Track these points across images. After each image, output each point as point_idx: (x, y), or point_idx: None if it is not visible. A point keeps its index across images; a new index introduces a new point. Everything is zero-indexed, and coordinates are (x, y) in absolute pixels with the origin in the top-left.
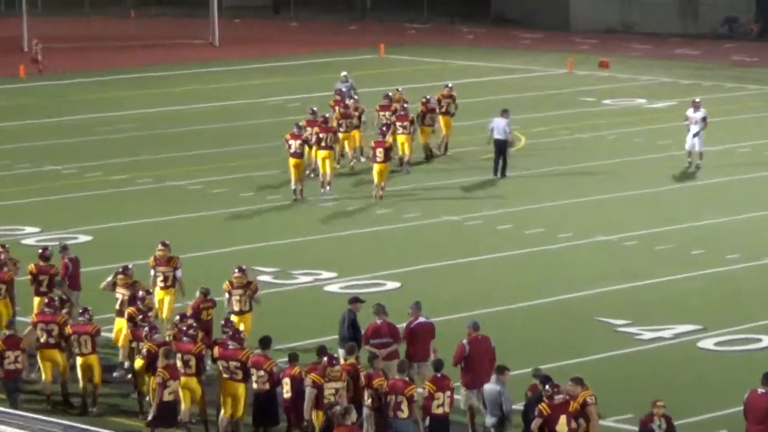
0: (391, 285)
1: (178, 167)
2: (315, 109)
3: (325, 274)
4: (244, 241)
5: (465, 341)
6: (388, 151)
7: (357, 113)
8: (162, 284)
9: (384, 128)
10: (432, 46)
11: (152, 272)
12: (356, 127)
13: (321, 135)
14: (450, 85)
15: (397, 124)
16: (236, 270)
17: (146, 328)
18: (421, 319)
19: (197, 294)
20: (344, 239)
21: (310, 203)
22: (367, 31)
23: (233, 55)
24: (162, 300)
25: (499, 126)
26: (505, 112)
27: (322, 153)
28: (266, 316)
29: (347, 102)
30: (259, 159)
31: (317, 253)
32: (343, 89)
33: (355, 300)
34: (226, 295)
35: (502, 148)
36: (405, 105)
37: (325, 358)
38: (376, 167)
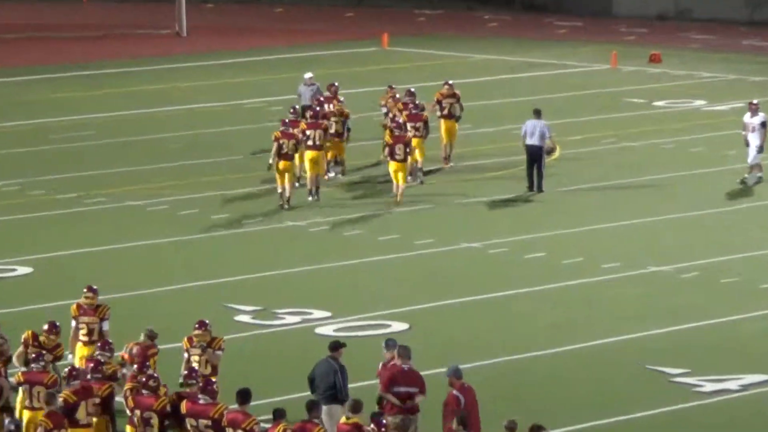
0: (398, 327)
1: (138, 183)
2: (297, 107)
3: (317, 314)
4: (217, 273)
5: (455, 392)
6: (409, 146)
7: (335, 118)
8: (85, 338)
9: (399, 122)
10: (446, 36)
11: (73, 323)
12: (337, 135)
13: (308, 132)
14: (450, 82)
15: (408, 125)
16: (196, 325)
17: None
18: (397, 360)
19: (141, 337)
20: (340, 271)
21: (299, 228)
22: (366, 18)
23: (204, 48)
24: (83, 358)
25: (532, 129)
26: (539, 114)
27: (309, 154)
28: (245, 364)
29: (322, 106)
30: (235, 173)
31: (307, 288)
32: (307, 94)
33: (338, 346)
34: (185, 354)
35: (536, 156)
36: (417, 103)
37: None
38: (392, 166)
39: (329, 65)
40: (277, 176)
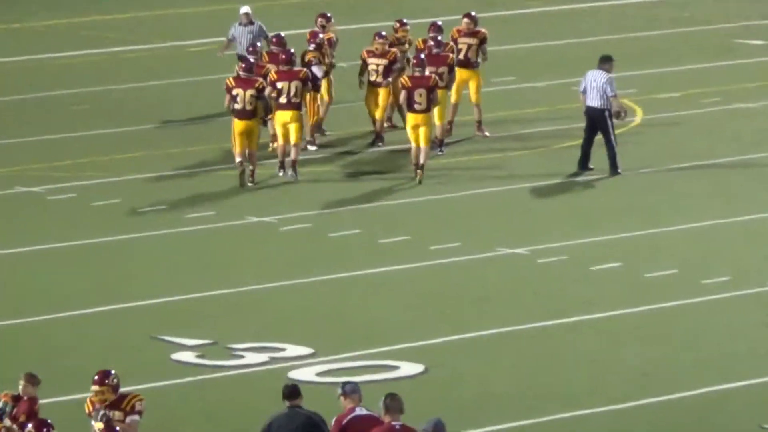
0: (409, 369)
1: (32, 162)
2: (259, 44)
3: (292, 350)
4: (145, 291)
5: None
6: (433, 92)
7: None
8: None
9: (421, 57)
10: None
11: None
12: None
13: (280, 84)
14: (473, 13)
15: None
16: (95, 378)
17: None
18: (361, 412)
19: (20, 384)
20: (325, 287)
21: (266, 226)
22: None
23: None
24: None
25: (592, 84)
26: (605, 62)
27: (282, 115)
28: (186, 427)
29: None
30: (169, 146)
31: (277, 313)
32: (244, 38)
33: (295, 393)
34: (92, 423)
35: (598, 120)
36: (439, 38)
37: None
38: (411, 120)
39: None
40: (234, 141)
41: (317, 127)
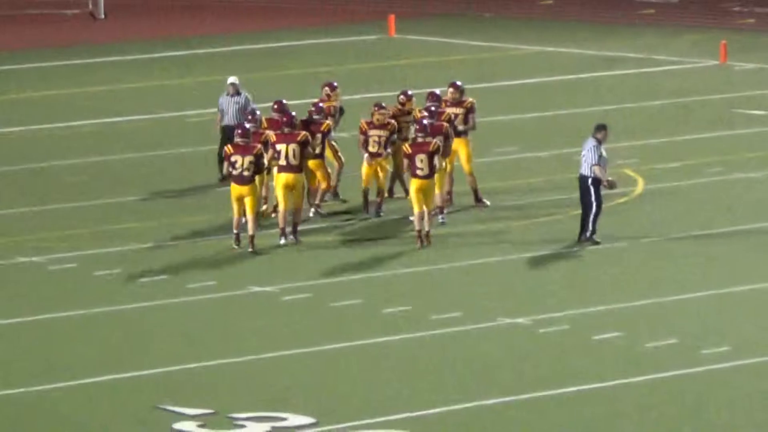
0: None
1: (33, 233)
2: (258, 112)
3: (294, 420)
4: (147, 360)
5: None
6: (434, 157)
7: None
8: None
9: (424, 123)
10: (479, 19)
11: None
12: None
13: (279, 146)
14: (459, 83)
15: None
16: None
17: None
18: None
19: None
20: (327, 357)
21: (267, 295)
22: None
23: (128, 35)
24: None
25: (583, 152)
26: (598, 130)
27: (282, 177)
28: None
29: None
30: (170, 215)
31: (279, 382)
32: (231, 108)
33: None
34: None
35: (585, 188)
36: (433, 108)
37: None
38: (415, 185)
39: (311, 60)
40: (233, 207)
41: (334, 194)
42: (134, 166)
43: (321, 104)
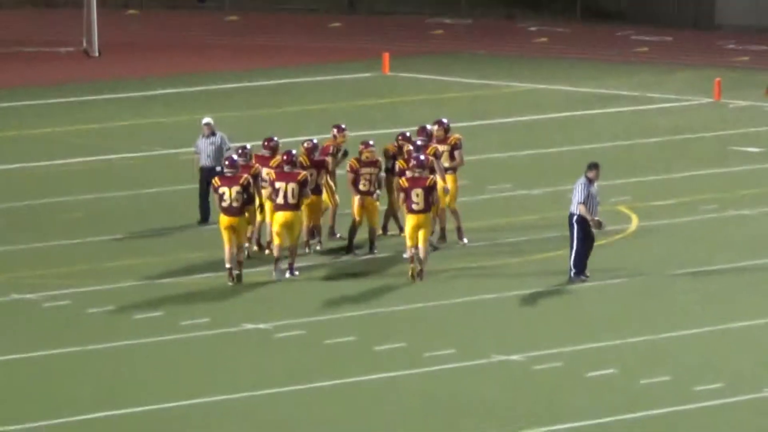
0: None
1: (27, 270)
2: (276, 139)
3: None
4: (139, 398)
5: None
6: (431, 193)
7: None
8: None
9: (421, 159)
10: (473, 56)
11: None
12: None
13: (278, 184)
14: (445, 121)
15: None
16: None
17: None
18: None
19: None
20: (320, 395)
21: (260, 333)
22: (360, 31)
23: (122, 72)
24: None
25: (575, 190)
26: (589, 168)
27: (279, 216)
28: None
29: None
30: (164, 253)
31: (272, 420)
32: (208, 149)
33: None
34: None
35: (575, 228)
36: (419, 142)
37: None
38: (411, 221)
39: (305, 98)
40: (223, 238)
41: (330, 233)
42: (128, 204)
43: (315, 141)
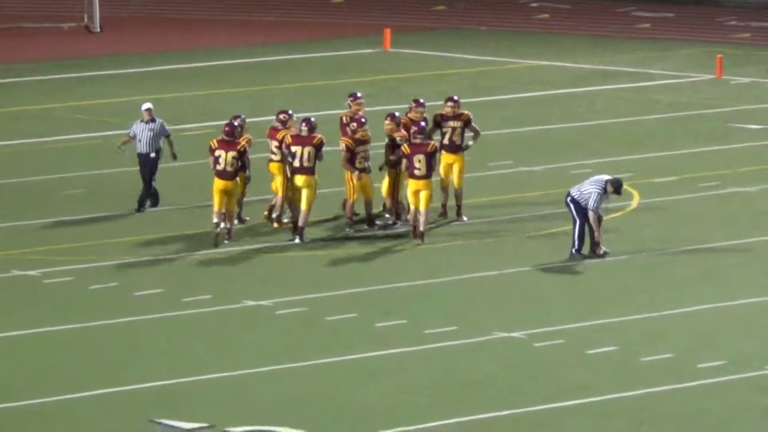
0: None
1: (29, 246)
2: (290, 112)
3: None
4: (142, 374)
5: None
6: (432, 158)
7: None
8: None
9: (422, 126)
10: (476, 33)
11: None
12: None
13: (294, 149)
14: (456, 98)
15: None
16: None
17: None
18: None
19: None
20: (320, 372)
21: (261, 309)
22: (361, 6)
23: (123, 48)
24: None
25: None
26: (616, 189)
27: (296, 179)
28: None
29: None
30: (165, 230)
31: (274, 397)
32: (145, 134)
33: None
34: None
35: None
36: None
37: None
38: (412, 185)
39: (307, 74)
40: (213, 199)
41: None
42: (129, 180)
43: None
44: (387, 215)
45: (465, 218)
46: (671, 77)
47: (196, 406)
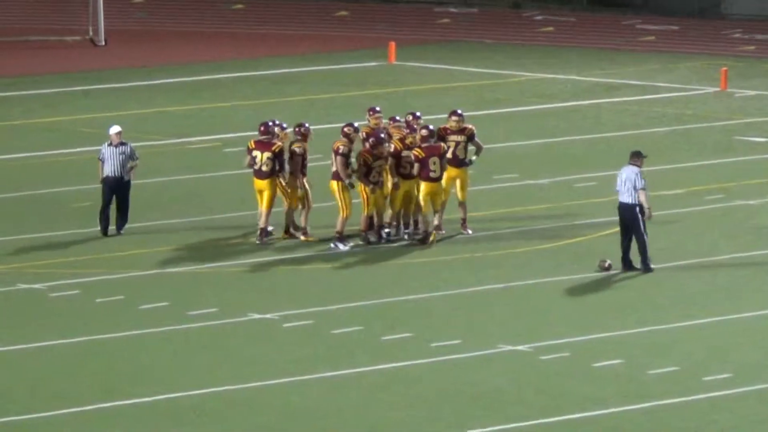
0: None
1: (35, 260)
2: (308, 125)
3: None
4: (148, 389)
5: None
6: (444, 159)
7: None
8: None
9: (431, 128)
10: (479, 46)
11: None
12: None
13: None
14: (460, 112)
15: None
16: None
17: None
18: None
19: None
20: (326, 386)
21: (267, 323)
22: (366, 20)
23: (128, 62)
24: None
25: (624, 179)
26: (636, 157)
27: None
28: None
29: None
30: (175, 242)
31: (279, 410)
32: (115, 159)
33: None
34: None
35: (628, 220)
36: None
37: None
38: (427, 188)
39: (310, 88)
40: (257, 198)
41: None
42: (136, 193)
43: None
44: (387, 229)
45: (470, 231)
46: (676, 90)
47: (203, 419)
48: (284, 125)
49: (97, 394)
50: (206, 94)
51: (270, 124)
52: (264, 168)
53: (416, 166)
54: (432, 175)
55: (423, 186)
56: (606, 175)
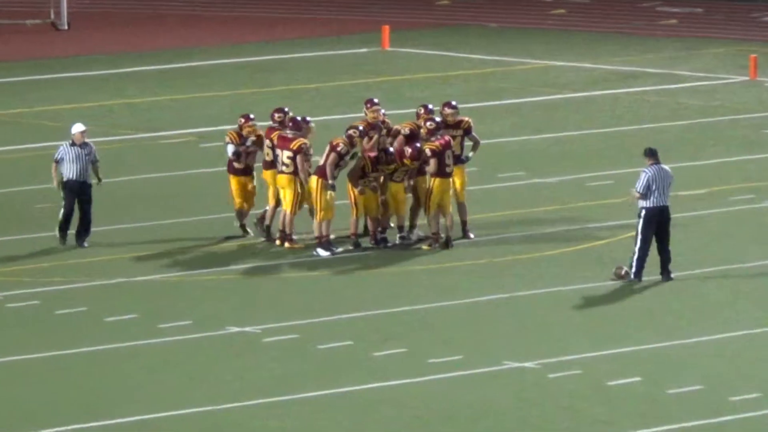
0: None
1: None
2: (287, 109)
3: None
4: (120, 409)
5: None
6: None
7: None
8: None
9: (437, 121)
10: (483, 31)
11: None
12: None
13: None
14: (454, 103)
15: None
16: None
17: None
18: None
19: None
20: (312, 406)
21: (247, 337)
22: (357, 2)
23: (94, 48)
24: None
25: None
26: (652, 155)
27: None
28: None
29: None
30: (144, 248)
31: None
32: (77, 159)
33: None
34: None
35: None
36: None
37: None
38: (443, 185)
39: (298, 76)
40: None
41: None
42: (101, 193)
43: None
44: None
45: (472, 235)
46: (700, 79)
47: None
48: (308, 119)
49: (54, 416)
50: (180, 84)
51: (299, 119)
52: (285, 169)
53: (432, 162)
54: (448, 170)
55: (435, 183)
56: (622, 173)
